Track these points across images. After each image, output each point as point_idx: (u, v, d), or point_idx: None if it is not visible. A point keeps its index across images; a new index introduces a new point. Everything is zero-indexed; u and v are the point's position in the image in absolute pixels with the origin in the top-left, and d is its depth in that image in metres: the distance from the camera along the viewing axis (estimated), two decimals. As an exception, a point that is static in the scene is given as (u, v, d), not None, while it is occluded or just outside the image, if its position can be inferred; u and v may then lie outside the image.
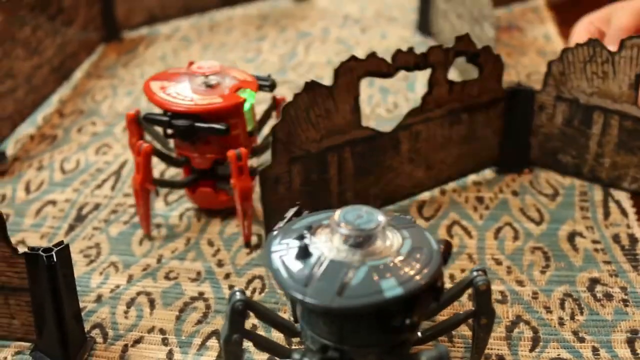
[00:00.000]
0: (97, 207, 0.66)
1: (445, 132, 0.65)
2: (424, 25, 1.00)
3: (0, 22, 0.73)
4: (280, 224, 0.44)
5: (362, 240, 0.40)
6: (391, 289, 0.38)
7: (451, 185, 0.68)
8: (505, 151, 0.70)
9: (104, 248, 0.61)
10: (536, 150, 0.70)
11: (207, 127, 0.57)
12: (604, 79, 0.64)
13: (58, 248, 0.47)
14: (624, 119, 0.64)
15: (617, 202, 0.66)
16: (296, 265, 0.40)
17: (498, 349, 0.51)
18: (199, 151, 0.60)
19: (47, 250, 0.47)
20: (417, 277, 0.39)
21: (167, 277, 0.58)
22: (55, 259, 0.46)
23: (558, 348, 0.51)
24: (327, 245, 0.41)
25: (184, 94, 0.59)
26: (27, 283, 0.48)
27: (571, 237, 0.62)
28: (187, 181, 0.63)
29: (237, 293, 0.42)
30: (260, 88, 0.64)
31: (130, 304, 0.55)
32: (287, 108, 0.56)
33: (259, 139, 0.66)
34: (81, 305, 0.55)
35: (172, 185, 0.64)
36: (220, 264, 0.59)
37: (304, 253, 0.40)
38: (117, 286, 0.57)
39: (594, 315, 0.54)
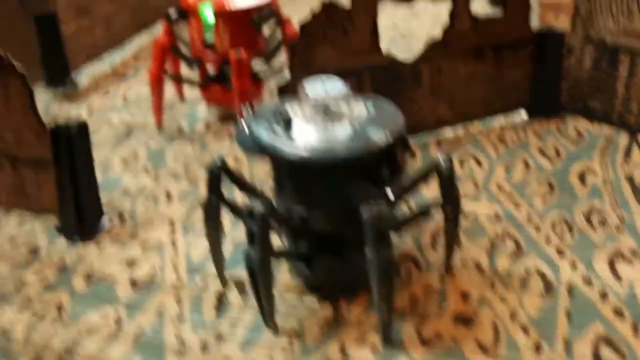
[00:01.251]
0: (145, 127, 0.73)
1: (469, 68, 0.67)
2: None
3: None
4: (244, 118, 0.48)
5: (333, 106, 0.44)
6: (379, 135, 0.43)
7: (477, 126, 0.70)
8: (536, 95, 0.71)
9: (142, 157, 0.68)
10: (566, 95, 0.70)
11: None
12: (629, 15, 0.64)
13: (78, 124, 0.53)
14: (650, 62, 0.64)
15: (642, 147, 0.65)
16: (286, 135, 0.44)
17: (477, 257, 0.52)
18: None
19: (69, 126, 0.53)
20: (394, 125, 0.43)
21: (189, 182, 0.63)
22: (73, 133, 0.53)
23: (536, 259, 0.52)
24: (303, 116, 0.45)
25: None
26: (52, 156, 0.55)
27: (583, 173, 0.62)
28: (202, 81, 0.73)
29: (217, 160, 0.47)
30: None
31: (151, 198, 0.61)
32: (304, 27, 0.60)
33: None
34: (108, 196, 0.61)
35: (189, 82, 0.73)
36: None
37: (288, 124, 0.44)
38: (145, 185, 0.63)
39: (583, 236, 0.54)
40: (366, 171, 0.44)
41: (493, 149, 0.66)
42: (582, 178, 0.62)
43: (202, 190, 0.62)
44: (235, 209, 0.48)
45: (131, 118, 0.75)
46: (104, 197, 0.61)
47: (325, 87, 0.45)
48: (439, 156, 0.46)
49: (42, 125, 0.54)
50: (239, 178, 0.48)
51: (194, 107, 0.76)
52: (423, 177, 0.48)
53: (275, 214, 0.44)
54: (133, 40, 0.95)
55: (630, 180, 0.61)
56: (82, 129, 0.53)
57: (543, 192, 0.60)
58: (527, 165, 0.64)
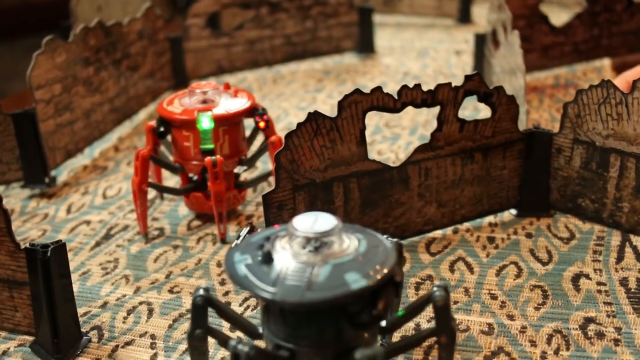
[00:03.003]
0: (125, 228, 0.71)
1: (458, 170, 0.66)
2: (476, 80, 1.02)
3: (62, 60, 0.81)
4: (237, 241, 0.46)
5: (321, 244, 0.42)
6: (356, 281, 0.40)
7: (465, 224, 0.69)
8: (524, 194, 0.69)
9: (121, 263, 0.65)
10: (556, 194, 0.69)
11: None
12: (619, 120, 0.63)
13: (54, 245, 0.51)
14: (640, 163, 0.63)
15: (634, 247, 0.64)
16: (263, 270, 0.42)
17: (471, 376, 0.51)
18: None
19: (45, 246, 0.51)
20: (378, 271, 0.41)
21: (170, 291, 0.61)
22: (49, 255, 0.50)
23: (533, 379, 0.50)
24: (289, 251, 0.43)
25: (179, 105, 0.69)
26: (27, 277, 0.52)
27: (576, 278, 0.61)
28: (183, 189, 0.71)
29: (200, 289, 0.45)
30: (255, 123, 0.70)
31: (131, 311, 0.59)
32: (290, 136, 0.59)
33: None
34: (86, 309, 0.59)
35: (170, 191, 0.71)
36: (222, 282, 0.62)
37: (267, 258, 0.42)
38: (124, 295, 0.61)
39: (580, 351, 0.52)
40: (348, 314, 0.42)
41: (483, 251, 0.65)
42: (575, 283, 0.60)
43: (184, 301, 0.60)
44: (222, 341, 0.46)
45: (110, 219, 0.73)
46: (81, 310, 0.59)
47: (315, 223, 0.43)
48: (434, 286, 0.44)
49: (17, 247, 0.51)
50: (224, 309, 0.46)
51: (176, 206, 0.74)
52: (418, 309, 0.46)
53: (261, 356, 0.42)
54: (114, 131, 0.93)
55: (625, 284, 0.60)
56: (59, 250, 0.51)
57: (536, 300, 0.58)
58: (519, 268, 0.62)
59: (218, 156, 0.66)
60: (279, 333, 0.43)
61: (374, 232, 0.46)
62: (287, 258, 0.42)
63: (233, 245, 0.45)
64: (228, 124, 0.68)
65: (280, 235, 0.45)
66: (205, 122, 0.67)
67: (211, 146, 0.67)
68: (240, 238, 0.46)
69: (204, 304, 0.44)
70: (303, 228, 0.42)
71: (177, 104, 0.69)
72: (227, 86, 0.71)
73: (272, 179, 0.75)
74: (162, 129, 0.69)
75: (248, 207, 0.74)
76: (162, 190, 0.72)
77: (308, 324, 0.42)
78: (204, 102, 0.68)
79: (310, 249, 0.42)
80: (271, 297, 0.40)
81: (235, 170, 0.70)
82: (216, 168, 0.65)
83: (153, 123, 0.69)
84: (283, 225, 0.47)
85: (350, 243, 0.44)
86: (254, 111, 0.69)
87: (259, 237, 0.45)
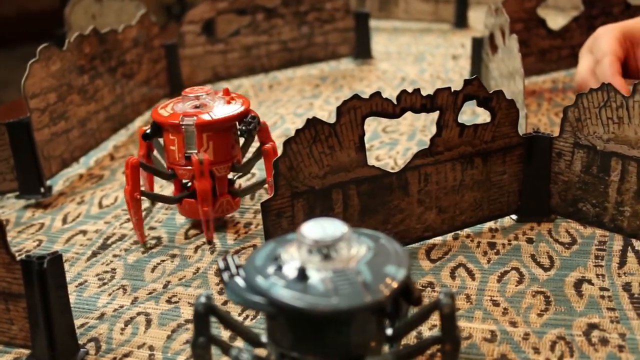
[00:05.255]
0: (122, 237, 0.70)
1: (458, 175, 0.65)
2: (474, 84, 1.01)
3: (57, 69, 0.80)
4: (230, 272, 0.44)
5: (333, 250, 0.42)
6: (397, 272, 0.41)
7: (466, 230, 0.68)
8: (525, 199, 0.69)
9: (119, 273, 0.65)
10: (556, 198, 0.69)
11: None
12: (620, 124, 0.63)
13: (50, 257, 0.50)
14: (641, 167, 0.63)
15: (637, 252, 0.63)
16: (302, 288, 0.40)
17: (475, 384, 0.50)
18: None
19: (41, 258, 0.50)
20: (403, 262, 0.42)
21: (168, 301, 0.60)
22: (45, 266, 0.50)
23: (538, 387, 0.49)
24: (298, 262, 0.42)
25: (171, 109, 0.69)
26: (23, 289, 0.51)
27: (578, 283, 0.60)
28: (177, 198, 0.70)
29: (202, 297, 0.44)
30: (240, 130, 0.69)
31: (128, 322, 0.58)
32: (288, 142, 0.58)
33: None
34: (83, 321, 0.58)
35: (163, 199, 0.71)
36: (221, 291, 0.61)
37: (302, 275, 0.41)
38: (121, 306, 0.60)
39: (584, 358, 0.52)
40: (364, 320, 0.41)
41: (484, 256, 0.64)
42: (577, 289, 0.59)
43: (182, 311, 0.59)
44: (224, 349, 0.45)
45: (107, 228, 0.72)
46: (78, 321, 0.58)
47: (323, 230, 0.42)
48: (441, 294, 0.44)
49: (12, 258, 0.51)
50: (226, 318, 0.45)
51: (172, 214, 0.74)
52: (425, 315, 0.45)
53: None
54: (110, 139, 0.92)
55: (628, 289, 0.59)
56: (55, 261, 0.50)
57: (539, 307, 0.57)
58: (520, 274, 0.62)
59: (205, 155, 0.65)
60: (284, 342, 0.42)
61: (371, 231, 0.45)
62: (312, 270, 0.41)
63: (229, 277, 0.43)
64: (213, 129, 0.67)
65: (286, 247, 0.44)
66: (190, 126, 0.66)
67: (194, 151, 0.66)
68: (232, 267, 0.44)
69: (206, 312, 0.44)
70: (314, 236, 0.41)
71: (169, 109, 0.68)
72: (226, 92, 0.70)
73: (267, 187, 0.74)
74: (148, 131, 0.68)
75: (246, 215, 0.73)
76: (155, 199, 0.71)
77: (315, 331, 0.41)
78: (197, 107, 0.68)
79: (321, 256, 0.41)
80: (334, 309, 0.38)
81: (229, 177, 0.69)
82: (202, 165, 0.65)
83: (146, 128, 0.68)
84: (277, 238, 0.46)
85: (359, 245, 0.43)
86: (243, 118, 0.68)
87: (264, 258, 0.43)
